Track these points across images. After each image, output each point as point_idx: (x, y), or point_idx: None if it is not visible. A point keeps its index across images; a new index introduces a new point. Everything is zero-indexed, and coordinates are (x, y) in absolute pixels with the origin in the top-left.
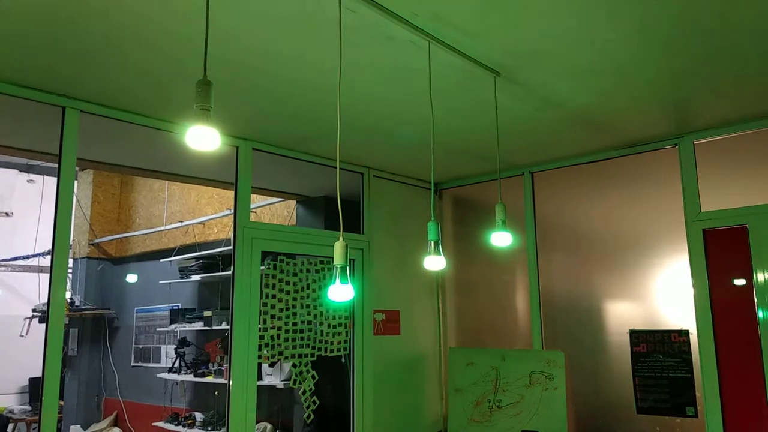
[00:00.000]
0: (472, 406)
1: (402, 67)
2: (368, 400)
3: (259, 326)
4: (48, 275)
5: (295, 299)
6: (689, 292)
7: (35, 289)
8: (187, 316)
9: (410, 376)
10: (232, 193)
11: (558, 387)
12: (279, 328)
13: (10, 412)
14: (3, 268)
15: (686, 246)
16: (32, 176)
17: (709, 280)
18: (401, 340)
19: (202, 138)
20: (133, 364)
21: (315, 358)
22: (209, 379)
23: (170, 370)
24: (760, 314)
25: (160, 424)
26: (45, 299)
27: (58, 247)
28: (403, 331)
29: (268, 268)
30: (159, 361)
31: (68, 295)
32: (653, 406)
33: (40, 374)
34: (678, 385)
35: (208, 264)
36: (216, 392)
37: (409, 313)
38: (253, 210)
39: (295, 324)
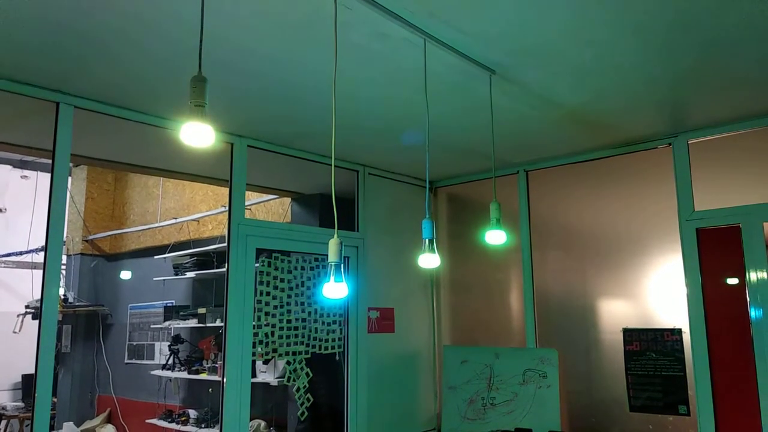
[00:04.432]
0: (466, 403)
1: (397, 65)
2: (362, 397)
3: (254, 323)
4: (41, 271)
5: (289, 296)
6: (682, 290)
7: (28, 285)
8: (181, 313)
9: (404, 373)
10: (227, 190)
11: (551, 385)
12: (273, 326)
13: (3, 408)
14: None
15: (679, 245)
16: (26, 172)
17: (702, 279)
18: (395, 337)
19: (197, 134)
20: (126, 361)
21: (309, 356)
22: (203, 376)
23: (164, 367)
24: (753, 313)
25: (154, 420)
26: (38, 296)
27: (52, 244)
28: (398, 328)
29: (263, 266)
30: (153, 358)
31: (62, 291)
32: (646, 405)
33: (33, 371)
34: (671, 384)
35: (203, 261)
36: (210, 389)
37: (403, 310)
38: (248, 207)
39: (289, 321)
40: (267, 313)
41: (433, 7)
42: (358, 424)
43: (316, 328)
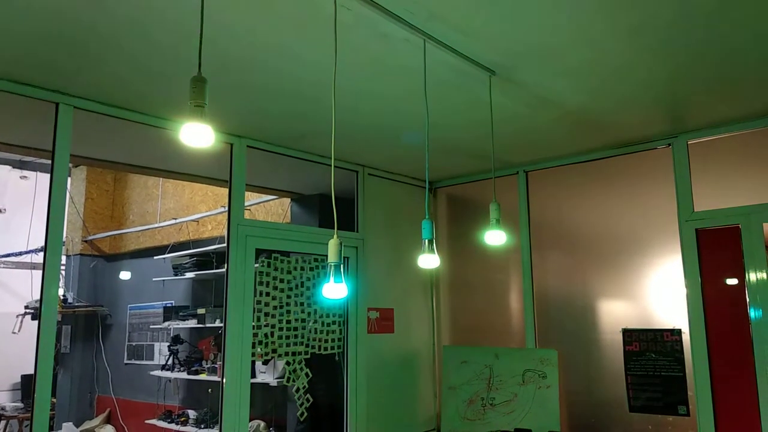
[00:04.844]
0: (466, 404)
1: (397, 66)
2: (362, 397)
3: (253, 324)
4: (41, 272)
5: (289, 297)
6: (682, 291)
7: (28, 285)
8: (181, 313)
9: (404, 374)
10: (227, 190)
11: (551, 385)
12: (273, 326)
13: (3, 409)
14: None
15: (679, 245)
16: (25, 172)
17: (701, 280)
18: (395, 338)
19: (197, 135)
20: (126, 361)
21: (309, 356)
22: (202, 376)
23: (163, 367)
24: (752, 313)
25: (153, 421)
26: (38, 296)
27: (51, 244)
28: (397, 329)
29: (262, 266)
30: (152, 359)
31: (61, 292)
32: (646, 405)
33: (32, 371)
34: (670, 384)
35: (202, 261)
36: (209, 390)
37: (403, 311)
38: (248, 207)
39: (288, 322)
40: (266, 314)
41: (432, 8)
42: (357, 425)
43: (315, 329)
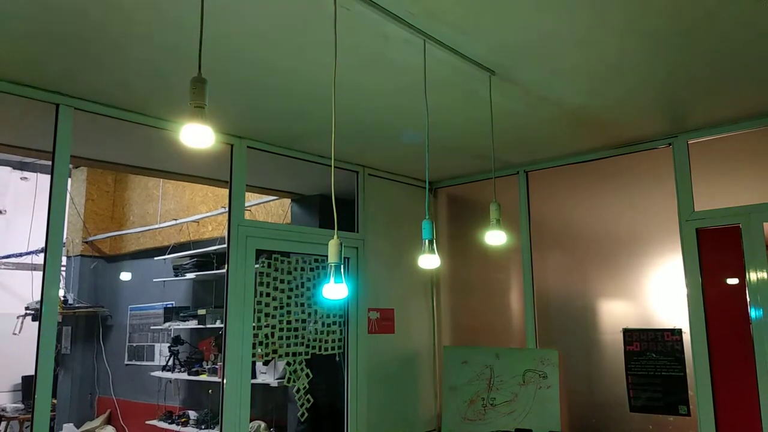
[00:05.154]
0: (466, 404)
1: (397, 66)
2: (362, 398)
3: (254, 324)
4: (41, 273)
5: (289, 297)
6: (682, 291)
7: (28, 287)
8: (181, 314)
9: (404, 374)
10: (227, 191)
11: (551, 385)
12: (273, 327)
13: (3, 410)
14: None
15: (680, 245)
16: (26, 174)
17: (702, 280)
18: (395, 338)
19: (197, 136)
20: (126, 362)
21: (309, 357)
22: (203, 377)
23: (164, 368)
24: (753, 313)
25: (154, 422)
26: (38, 297)
27: (52, 245)
28: (398, 329)
29: (263, 267)
30: (153, 360)
31: (62, 293)
32: (646, 405)
33: (33, 372)
34: (671, 384)
35: (203, 262)
36: (210, 390)
37: (403, 311)
38: (248, 208)
39: (289, 322)
40: (267, 314)
41: (433, 8)
42: (358, 425)
43: (316, 329)
